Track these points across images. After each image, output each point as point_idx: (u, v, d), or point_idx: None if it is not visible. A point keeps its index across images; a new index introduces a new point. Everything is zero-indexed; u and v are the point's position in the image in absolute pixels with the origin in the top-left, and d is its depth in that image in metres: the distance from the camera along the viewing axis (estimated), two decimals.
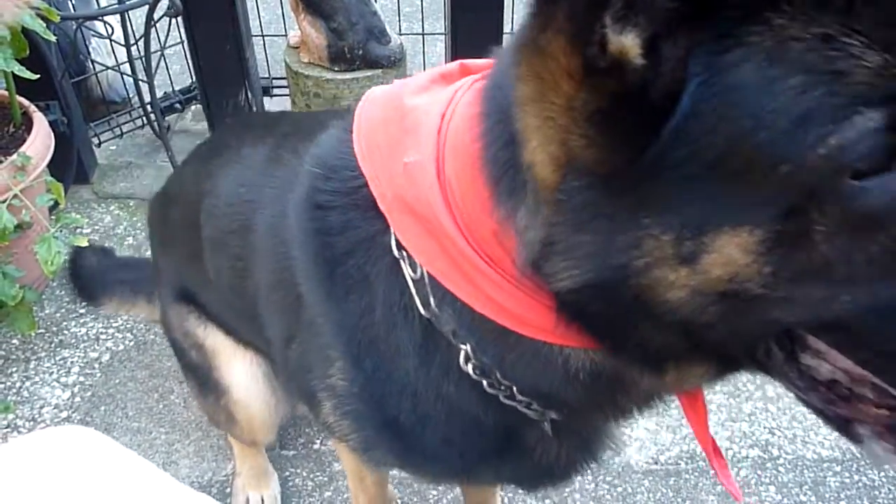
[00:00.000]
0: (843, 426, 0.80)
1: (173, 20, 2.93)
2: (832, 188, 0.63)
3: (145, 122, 3.44)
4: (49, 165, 2.51)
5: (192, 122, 3.64)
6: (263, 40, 3.49)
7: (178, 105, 3.55)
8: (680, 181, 0.69)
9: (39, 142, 2.47)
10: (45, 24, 2.23)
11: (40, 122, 2.57)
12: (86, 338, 2.58)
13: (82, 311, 2.67)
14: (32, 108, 2.62)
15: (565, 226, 0.77)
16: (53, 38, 2.33)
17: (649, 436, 2.29)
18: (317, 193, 1.09)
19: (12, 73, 2.22)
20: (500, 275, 0.87)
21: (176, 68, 3.69)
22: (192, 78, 3.36)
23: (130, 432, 2.29)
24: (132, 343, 2.55)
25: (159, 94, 3.34)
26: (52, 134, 2.60)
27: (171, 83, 3.57)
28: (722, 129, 0.66)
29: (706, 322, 0.75)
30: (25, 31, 2.23)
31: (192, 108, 3.66)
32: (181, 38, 3.14)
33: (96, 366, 2.48)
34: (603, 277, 0.76)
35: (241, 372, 1.73)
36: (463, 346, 0.98)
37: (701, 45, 0.65)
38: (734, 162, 0.66)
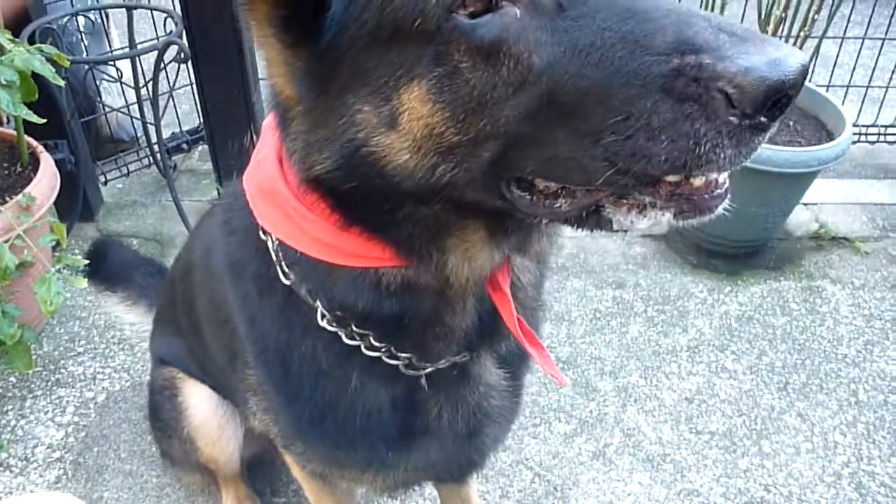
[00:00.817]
0: (594, 219, 0.94)
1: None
2: (452, 27, 0.82)
3: (152, 161, 3.49)
4: (55, 202, 2.55)
5: (199, 162, 3.69)
6: None
7: (185, 145, 3.60)
8: (358, 58, 0.89)
9: (45, 182, 2.51)
10: (54, 70, 2.28)
11: (47, 162, 2.61)
12: (83, 377, 2.59)
13: (80, 349, 2.68)
14: (40, 148, 2.67)
15: (309, 129, 0.98)
16: (62, 83, 2.38)
17: (643, 490, 2.28)
18: (226, 212, 1.38)
19: None
20: (317, 215, 1.06)
21: (185, 108, 3.75)
22: (200, 118, 3.41)
23: (122, 474, 2.29)
24: (128, 383, 2.56)
25: (167, 133, 3.39)
26: (59, 173, 2.64)
27: (179, 123, 3.62)
28: (369, 8, 0.86)
29: (445, 182, 0.92)
30: (37, 74, 2.27)
31: (199, 148, 3.71)
32: (190, 79, 3.20)
33: (91, 406, 2.49)
34: (342, 156, 0.95)
35: (199, 395, 1.98)
36: (317, 304, 1.18)
37: None
38: (385, 30, 0.86)
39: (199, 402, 1.97)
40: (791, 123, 3.11)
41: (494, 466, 2.32)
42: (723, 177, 0.90)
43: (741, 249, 3.17)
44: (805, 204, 3.41)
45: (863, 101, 3.75)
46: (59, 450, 2.34)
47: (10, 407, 2.47)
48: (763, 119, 0.77)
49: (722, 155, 0.78)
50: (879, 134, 3.87)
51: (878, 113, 3.82)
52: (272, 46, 0.97)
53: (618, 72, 0.79)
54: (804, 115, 3.16)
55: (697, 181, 0.88)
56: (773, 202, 3.01)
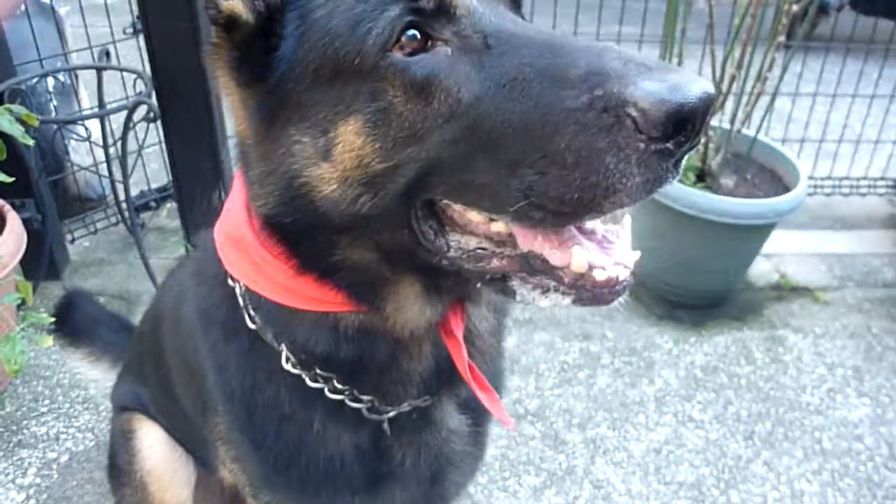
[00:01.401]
0: (499, 285, 1.00)
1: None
2: (388, 65, 0.91)
3: (120, 219, 3.49)
4: (21, 260, 2.53)
5: (167, 220, 3.70)
6: None
7: (153, 203, 3.61)
8: (302, 94, 0.96)
9: (11, 241, 2.50)
10: (23, 129, 2.29)
11: (13, 221, 2.60)
12: (45, 437, 2.54)
13: (44, 409, 2.64)
14: (7, 206, 2.66)
15: (258, 163, 1.04)
16: (32, 143, 2.39)
17: None
18: (197, 263, 1.42)
19: None
20: (277, 259, 1.10)
21: (154, 166, 3.77)
22: (168, 176, 3.43)
23: None
24: (92, 443, 2.51)
25: (136, 191, 3.39)
26: (25, 232, 2.63)
27: (148, 181, 3.63)
28: (314, 49, 0.94)
29: (366, 213, 0.97)
30: (5, 133, 2.28)
31: (168, 205, 3.72)
32: (159, 138, 3.22)
33: (54, 466, 2.44)
34: (280, 188, 1.01)
35: (154, 437, 1.95)
36: (282, 349, 1.21)
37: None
38: (328, 69, 0.94)
39: (153, 443, 1.95)
40: (748, 177, 3.21)
41: None
42: (624, 274, 0.97)
43: (704, 300, 3.23)
44: (765, 255, 3.49)
45: (817, 155, 3.88)
46: None
47: None
48: (669, 145, 0.80)
49: (629, 183, 0.82)
50: (834, 186, 4.00)
51: (833, 166, 3.96)
52: (233, 90, 1.04)
53: (536, 106, 0.85)
54: (761, 169, 3.26)
55: (601, 276, 0.95)
56: (732, 253, 3.08)
